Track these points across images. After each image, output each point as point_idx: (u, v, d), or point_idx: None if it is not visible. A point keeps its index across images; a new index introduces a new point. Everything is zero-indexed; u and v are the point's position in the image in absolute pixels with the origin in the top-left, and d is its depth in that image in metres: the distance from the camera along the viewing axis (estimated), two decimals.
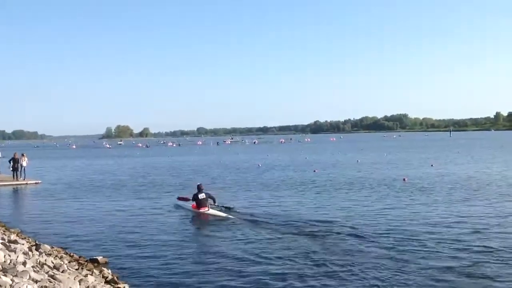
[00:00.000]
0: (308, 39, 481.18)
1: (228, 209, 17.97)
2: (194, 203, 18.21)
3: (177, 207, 19.67)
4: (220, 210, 17.83)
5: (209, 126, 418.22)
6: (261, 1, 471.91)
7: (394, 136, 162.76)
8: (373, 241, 12.86)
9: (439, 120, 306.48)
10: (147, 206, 20.49)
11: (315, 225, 15.15)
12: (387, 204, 19.31)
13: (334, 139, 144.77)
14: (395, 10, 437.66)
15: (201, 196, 18.13)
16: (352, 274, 10.10)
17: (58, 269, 9.43)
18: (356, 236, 13.51)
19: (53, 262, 9.96)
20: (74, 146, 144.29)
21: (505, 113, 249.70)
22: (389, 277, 9.83)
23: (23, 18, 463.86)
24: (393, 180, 27.77)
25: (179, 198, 20.22)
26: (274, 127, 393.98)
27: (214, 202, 18.40)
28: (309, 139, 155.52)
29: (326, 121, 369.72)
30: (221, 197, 19.92)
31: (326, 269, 10.52)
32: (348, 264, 10.76)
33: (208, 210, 17.87)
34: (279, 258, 11.46)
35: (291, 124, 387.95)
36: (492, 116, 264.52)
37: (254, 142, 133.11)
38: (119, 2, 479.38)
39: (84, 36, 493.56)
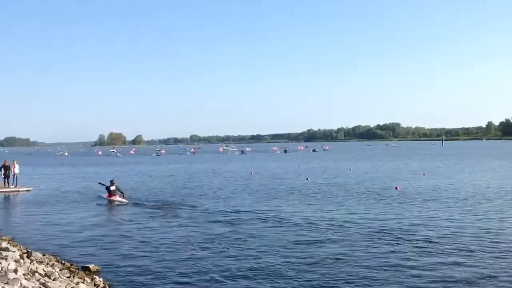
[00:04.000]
0: (301, 48, 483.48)
1: (128, 199, 24.49)
2: (107, 193, 24.77)
3: (99, 185, 27.11)
4: (124, 198, 24.37)
5: (202, 134, 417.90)
6: (252, 9, 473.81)
7: (393, 145, 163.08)
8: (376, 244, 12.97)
9: (431, 129, 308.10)
10: (140, 214, 20.49)
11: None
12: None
13: (327, 147, 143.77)
14: (388, 18, 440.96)
15: (112, 188, 24.76)
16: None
17: (49, 277, 9.42)
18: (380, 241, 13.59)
19: (44, 270, 9.95)
20: (66, 154, 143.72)
21: (496, 123, 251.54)
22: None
23: (11, 25, 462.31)
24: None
25: (100, 183, 27.33)
26: (267, 135, 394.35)
27: (122, 193, 24.83)
28: (327, 147, 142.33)
29: (319, 130, 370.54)
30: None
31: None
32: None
33: (116, 198, 24.28)
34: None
35: (284, 132, 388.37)
36: (484, 126, 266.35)
37: (242, 152, 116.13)
38: (111, 7, 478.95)
39: (77, 42, 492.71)
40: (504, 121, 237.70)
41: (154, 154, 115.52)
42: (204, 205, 22.65)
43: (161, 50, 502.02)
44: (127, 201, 24.03)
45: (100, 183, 27.31)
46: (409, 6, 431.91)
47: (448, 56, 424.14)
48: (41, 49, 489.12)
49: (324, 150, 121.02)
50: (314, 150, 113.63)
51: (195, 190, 29.47)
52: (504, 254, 12.33)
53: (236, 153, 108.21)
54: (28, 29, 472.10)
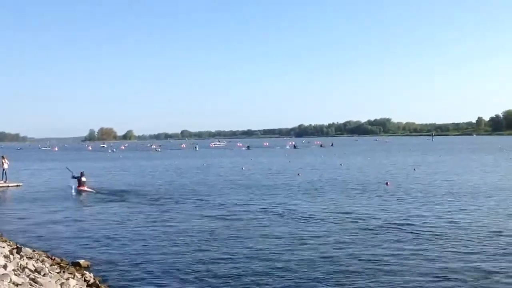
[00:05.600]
0: (293, 44, 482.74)
1: (93, 189, 27.22)
2: (78, 183, 27.38)
3: (67, 169, 30.54)
4: (91, 189, 27.03)
5: (193, 129, 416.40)
6: (243, 7, 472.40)
7: (386, 140, 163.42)
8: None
9: (422, 125, 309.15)
10: (130, 210, 20.46)
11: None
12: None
13: (319, 142, 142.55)
14: (379, 16, 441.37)
15: (83, 179, 27.63)
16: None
17: (39, 273, 9.41)
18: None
19: (34, 266, 9.93)
20: (56, 149, 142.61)
21: (486, 118, 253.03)
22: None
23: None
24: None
25: (67, 168, 31.36)
26: (259, 131, 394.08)
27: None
28: (318, 142, 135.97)
29: (310, 125, 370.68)
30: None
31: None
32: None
33: (85, 188, 27.01)
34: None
35: (275, 128, 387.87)
36: (474, 121, 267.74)
37: (248, 147, 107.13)
38: (103, 6, 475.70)
39: (66, 39, 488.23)
40: (494, 116, 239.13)
41: (157, 149, 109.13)
42: (197, 199, 22.70)
43: (152, 46, 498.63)
44: (94, 191, 26.81)
45: (67, 168, 31.44)
46: (400, 4, 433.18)
47: (439, 54, 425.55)
48: (31, 45, 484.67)
49: (332, 145, 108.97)
50: (321, 146, 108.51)
51: (192, 186, 29.49)
52: (495, 246, 12.50)
53: (243, 148, 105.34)
54: (18, 26, 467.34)
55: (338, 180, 31.25)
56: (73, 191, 26.56)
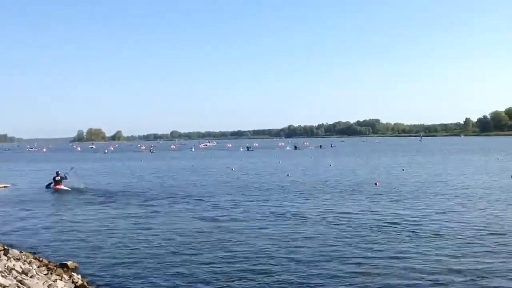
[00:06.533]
0: (282, 44, 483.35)
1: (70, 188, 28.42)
2: (54, 183, 28.84)
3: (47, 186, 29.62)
4: (67, 187, 28.43)
5: (183, 130, 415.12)
6: (232, 8, 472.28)
7: (377, 141, 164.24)
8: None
9: (410, 125, 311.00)
10: (117, 211, 20.37)
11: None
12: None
13: (308, 143, 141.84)
14: (368, 15, 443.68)
15: (57, 178, 28.98)
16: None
17: (26, 274, 9.34)
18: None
19: (21, 267, 9.85)
20: (44, 150, 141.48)
21: (474, 119, 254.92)
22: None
23: None
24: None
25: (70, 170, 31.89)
26: (248, 131, 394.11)
27: (65, 178, 29.28)
28: (307, 143, 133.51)
29: (299, 126, 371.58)
30: None
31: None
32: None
33: (61, 187, 28.47)
34: None
35: (265, 128, 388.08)
36: (461, 122, 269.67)
37: (248, 149, 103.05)
38: (93, 5, 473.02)
39: (53, 38, 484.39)
40: (482, 117, 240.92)
41: (152, 150, 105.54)
42: (184, 200, 22.68)
43: (142, 47, 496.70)
44: (70, 189, 28.30)
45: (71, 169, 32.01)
46: (386, 4, 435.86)
47: (427, 55, 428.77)
48: (19, 47, 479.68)
49: (332, 146, 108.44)
50: (321, 147, 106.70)
51: (181, 187, 29.43)
52: (484, 246, 12.62)
53: (241, 149, 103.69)
54: (4, 25, 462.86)
55: (330, 180, 31.37)
56: (51, 190, 28.34)
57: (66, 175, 29.58)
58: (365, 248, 12.75)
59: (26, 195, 26.60)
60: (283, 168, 43.78)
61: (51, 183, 29.24)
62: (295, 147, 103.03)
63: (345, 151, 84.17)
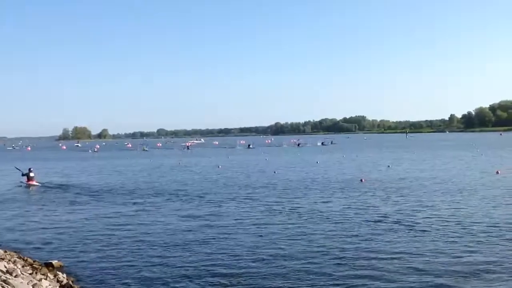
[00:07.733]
0: (269, 42, 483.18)
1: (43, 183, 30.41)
2: (26, 178, 30.11)
3: (16, 169, 32.94)
4: (38, 183, 30.08)
5: (169, 127, 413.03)
6: (216, 6, 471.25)
7: (365, 138, 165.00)
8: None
9: (396, 122, 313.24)
10: (103, 209, 20.29)
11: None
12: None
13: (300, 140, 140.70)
14: (357, 14, 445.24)
15: (31, 174, 30.26)
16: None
17: (11, 274, 9.27)
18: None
19: (5, 267, 9.77)
20: (29, 148, 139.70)
21: (459, 115, 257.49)
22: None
23: None
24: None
25: (16, 167, 33.65)
26: (235, 129, 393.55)
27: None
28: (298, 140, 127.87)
29: (286, 123, 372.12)
30: None
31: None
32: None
33: (34, 182, 29.92)
34: None
35: (252, 126, 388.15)
36: (446, 118, 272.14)
37: (249, 146, 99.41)
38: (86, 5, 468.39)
39: (39, 36, 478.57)
40: (466, 114, 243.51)
41: (145, 148, 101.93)
42: (170, 198, 22.65)
43: (127, 46, 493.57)
44: (40, 184, 30.16)
45: (16, 167, 33.75)
46: (373, 3, 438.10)
47: (413, 53, 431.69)
48: (3, 45, 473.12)
49: (332, 143, 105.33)
50: (323, 144, 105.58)
51: (168, 185, 29.34)
52: (471, 240, 12.79)
53: (239, 147, 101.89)
54: None
55: (316, 177, 31.50)
56: (24, 185, 29.90)
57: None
58: (349, 243, 12.86)
59: (9, 194, 26.33)
60: (303, 166, 43.88)
61: (25, 174, 30.40)
62: (298, 145, 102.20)
63: (344, 148, 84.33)
